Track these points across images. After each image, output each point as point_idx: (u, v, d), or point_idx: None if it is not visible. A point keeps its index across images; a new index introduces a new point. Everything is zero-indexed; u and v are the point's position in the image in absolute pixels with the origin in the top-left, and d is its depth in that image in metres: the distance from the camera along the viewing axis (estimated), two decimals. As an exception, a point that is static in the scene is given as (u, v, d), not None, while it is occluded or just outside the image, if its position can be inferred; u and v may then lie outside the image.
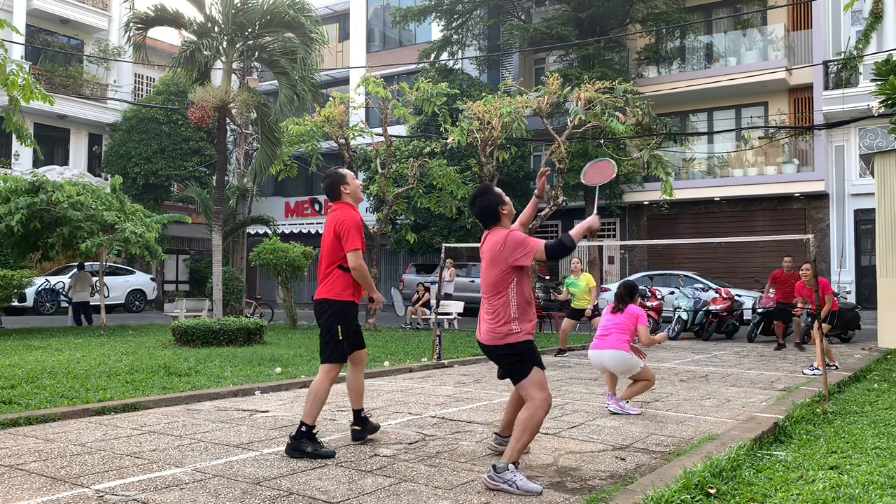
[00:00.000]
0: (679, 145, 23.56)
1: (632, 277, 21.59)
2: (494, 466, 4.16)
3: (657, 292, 16.36)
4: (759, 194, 22.77)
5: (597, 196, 8.31)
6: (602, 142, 19.75)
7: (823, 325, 10.07)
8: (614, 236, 25.69)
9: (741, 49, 23.90)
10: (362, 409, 5.36)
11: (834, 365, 9.77)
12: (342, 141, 17.31)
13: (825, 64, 21.63)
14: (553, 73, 16.76)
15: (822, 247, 21.87)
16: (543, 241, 4.39)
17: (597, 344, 6.81)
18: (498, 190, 4.68)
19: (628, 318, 6.72)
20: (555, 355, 11.99)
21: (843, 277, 20.70)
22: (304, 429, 4.86)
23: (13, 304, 19.27)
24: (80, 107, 28.53)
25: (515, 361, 4.39)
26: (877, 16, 20.92)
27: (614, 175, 5.61)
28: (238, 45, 15.64)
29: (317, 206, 31.60)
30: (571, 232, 4.39)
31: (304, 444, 4.82)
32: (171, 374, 8.38)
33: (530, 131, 17.94)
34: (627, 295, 6.86)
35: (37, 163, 26.15)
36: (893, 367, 10.02)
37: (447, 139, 16.96)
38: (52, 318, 21.03)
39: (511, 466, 4.12)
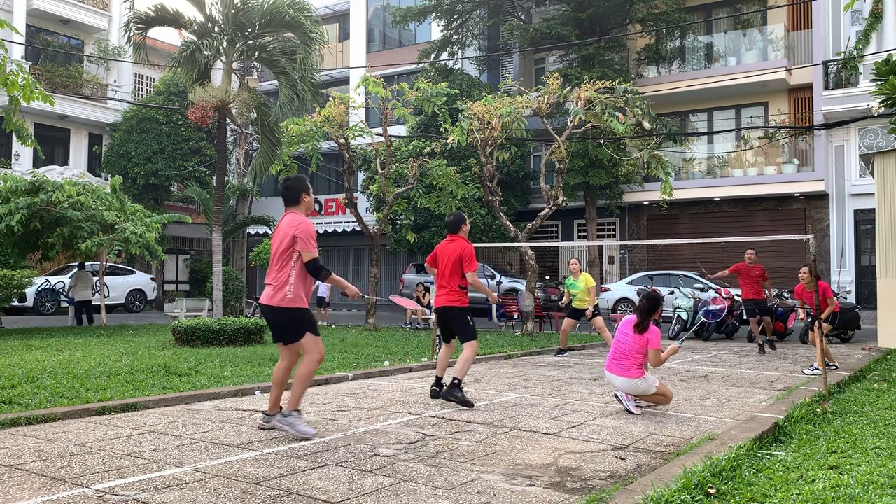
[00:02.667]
0: (679, 145, 23.56)
1: (632, 277, 21.60)
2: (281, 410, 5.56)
3: (657, 292, 16.34)
4: (758, 194, 22.77)
5: None
6: (602, 142, 19.74)
7: (824, 324, 10.05)
8: (614, 236, 25.69)
9: (741, 49, 23.90)
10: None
11: (834, 365, 9.77)
12: (342, 141, 17.31)
13: (825, 64, 21.63)
14: (553, 73, 16.75)
15: (822, 247, 21.87)
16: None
17: (610, 366, 6.73)
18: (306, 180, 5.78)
19: (641, 342, 6.57)
20: (555, 355, 11.99)
21: (843, 277, 20.71)
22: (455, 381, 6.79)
23: (13, 304, 19.27)
24: (81, 107, 28.53)
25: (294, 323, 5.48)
26: (877, 16, 20.93)
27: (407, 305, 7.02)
28: (238, 45, 15.64)
29: (317, 206, 31.61)
30: (332, 276, 5.59)
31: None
32: (171, 374, 8.38)
33: (530, 131, 17.94)
34: (653, 309, 6.65)
35: (37, 163, 26.17)
36: (893, 367, 10.02)
37: (447, 139, 16.95)
38: (52, 318, 21.03)
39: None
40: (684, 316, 15.75)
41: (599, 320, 11.91)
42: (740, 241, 18.16)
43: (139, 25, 15.28)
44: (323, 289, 19.65)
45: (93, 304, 17.70)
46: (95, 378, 7.88)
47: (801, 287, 10.63)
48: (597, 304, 12.32)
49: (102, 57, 28.77)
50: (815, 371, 9.46)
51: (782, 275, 21.35)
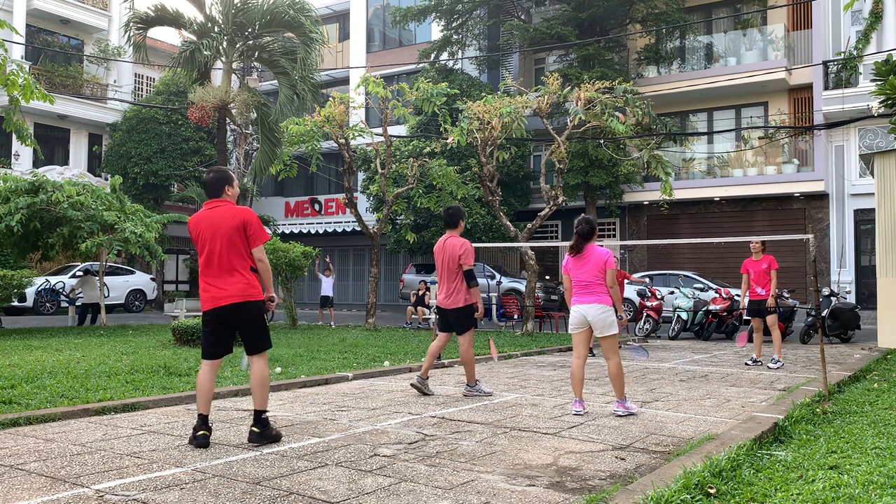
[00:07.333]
0: (679, 145, 23.57)
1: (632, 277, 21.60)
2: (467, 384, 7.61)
3: (657, 292, 16.34)
4: (758, 194, 22.77)
5: None
6: (602, 142, 19.74)
7: (769, 318, 10.17)
8: (614, 236, 25.69)
9: (741, 49, 23.90)
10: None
11: (781, 362, 10.09)
12: (342, 141, 17.31)
13: (825, 64, 21.64)
14: (553, 73, 16.75)
15: (822, 247, 21.87)
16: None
17: (578, 299, 6.44)
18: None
19: (598, 264, 6.33)
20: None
21: (843, 277, 20.71)
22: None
23: (13, 304, 19.27)
24: (80, 107, 28.54)
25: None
26: (877, 16, 20.93)
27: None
28: (238, 45, 15.64)
29: (317, 206, 31.60)
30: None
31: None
32: (171, 374, 8.38)
33: (530, 131, 17.94)
34: (592, 231, 6.44)
35: (37, 163, 26.17)
36: (893, 367, 10.02)
37: (447, 139, 16.95)
38: (52, 318, 21.02)
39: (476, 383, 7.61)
40: (684, 316, 15.75)
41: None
42: (740, 241, 18.15)
43: (139, 25, 15.29)
44: (327, 288, 19.43)
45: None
46: (95, 378, 7.88)
47: (750, 261, 10.19)
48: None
49: (102, 57, 28.78)
50: (778, 364, 9.99)
51: (782, 275, 21.33)
